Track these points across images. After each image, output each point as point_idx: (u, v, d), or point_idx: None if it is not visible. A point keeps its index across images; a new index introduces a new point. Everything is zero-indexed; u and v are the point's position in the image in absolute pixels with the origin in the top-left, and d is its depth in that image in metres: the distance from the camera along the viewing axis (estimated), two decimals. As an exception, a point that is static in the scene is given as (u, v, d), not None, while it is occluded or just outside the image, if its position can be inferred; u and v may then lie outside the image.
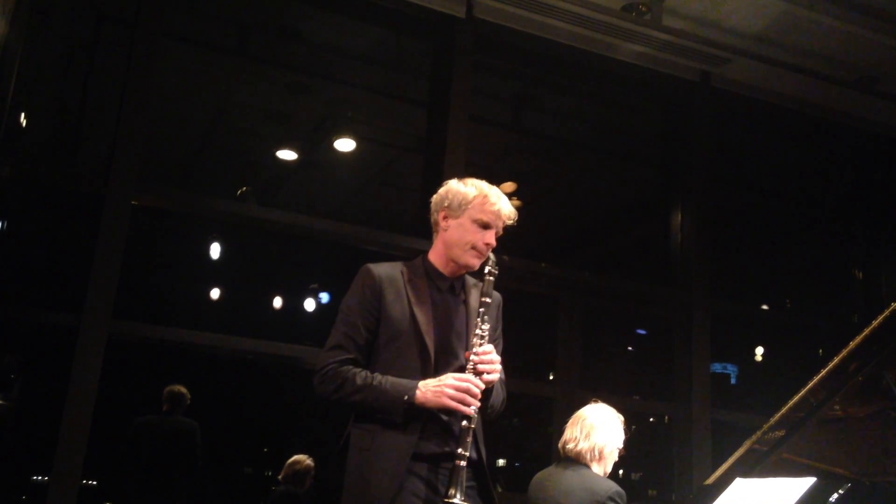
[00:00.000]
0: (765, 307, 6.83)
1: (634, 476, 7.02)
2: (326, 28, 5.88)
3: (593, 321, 5.97)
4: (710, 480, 3.77)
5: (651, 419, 6.86)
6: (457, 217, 2.55)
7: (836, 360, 3.40)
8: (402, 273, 2.54)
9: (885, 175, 6.92)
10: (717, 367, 7.34)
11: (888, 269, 6.76)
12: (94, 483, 7.62)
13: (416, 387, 2.36)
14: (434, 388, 2.36)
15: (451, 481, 2.31)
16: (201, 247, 7.33)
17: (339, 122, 6.39)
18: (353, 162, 6.68)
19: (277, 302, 8.67)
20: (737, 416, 5.94)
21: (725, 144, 6.47)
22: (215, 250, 7.28)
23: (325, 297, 8.74)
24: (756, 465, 3.63)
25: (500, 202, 2.56)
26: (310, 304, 8.72)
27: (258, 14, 5.76)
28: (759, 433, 3.66)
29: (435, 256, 2.61)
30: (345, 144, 6.46)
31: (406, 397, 2.34)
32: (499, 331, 2.66)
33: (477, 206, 2.54)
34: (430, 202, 2.64)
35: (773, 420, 3.60)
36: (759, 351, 7.66)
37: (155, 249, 6.87)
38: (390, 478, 2.32)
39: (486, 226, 2.54)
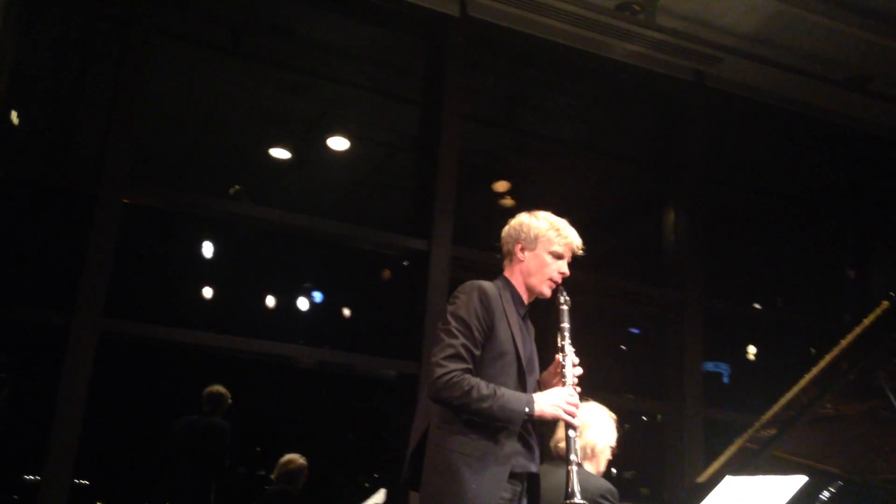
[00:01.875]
0: (757, 306, 6.84)
1: (627, 474, 7.02)
2: (320, 26, 5.87)
3: (586, 320, 5.95)
4: (702, 478, 3.78)
5: (644, 418, 6.86)
6: (532, 249, 2.84)
7: (827, 358, 3.40)
8: (500, 294, 2.78)
9: (877, 174, 6.94)
10: (709, 366, 7.34)
11: (880, 269, 6.78)
12: (87, 483, 7.59)
13: (532, 400, 2.64)
14: (551, 402, 2.66)
15: (569, 483, 2.59)
16: (194, 246, 7.31)
17: (333, 121, 6.38)
18: (346, 161, 6.67)
19: (270, 301, 8.66)
20: (729, 415, 5.95)
21: (719, 144, 6.48)
22: (208, 249, 7.26)
23: (318, 296, 8.73)
24: (747, 463, 3.63)
25: (571, 234, 2.88)
26: (303, 304, 8.71)
27: (251, 12, 5.75)
28: (750, 431, 3.66)
29: (515, 283, 2.87)
30: (338, 143, 6.45)
31: (527, 409, 2.61)
32: None
33: (552, 238, 2.84)
34: (503, 234, 2.92)
35: (764, 418, 3.60)
36: (752, 350, 7.67)
37: (148, 248, 6.85)
38: (495, 485, 2.57)
39: (559, 257, 2.85)
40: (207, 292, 8.35)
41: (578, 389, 2.76)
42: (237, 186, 6.28)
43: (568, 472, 2.59)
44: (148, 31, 4.86)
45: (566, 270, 2.86)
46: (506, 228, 2.93)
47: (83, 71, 5.36)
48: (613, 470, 6.71)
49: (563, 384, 2.74)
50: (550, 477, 3.29)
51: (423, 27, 5.72)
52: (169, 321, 4.95)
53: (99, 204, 4.53)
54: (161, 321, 4.87)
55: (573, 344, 2.86)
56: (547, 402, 2.66)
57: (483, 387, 2.59)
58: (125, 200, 4.64)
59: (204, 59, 5.93)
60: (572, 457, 2.61)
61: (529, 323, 2.92)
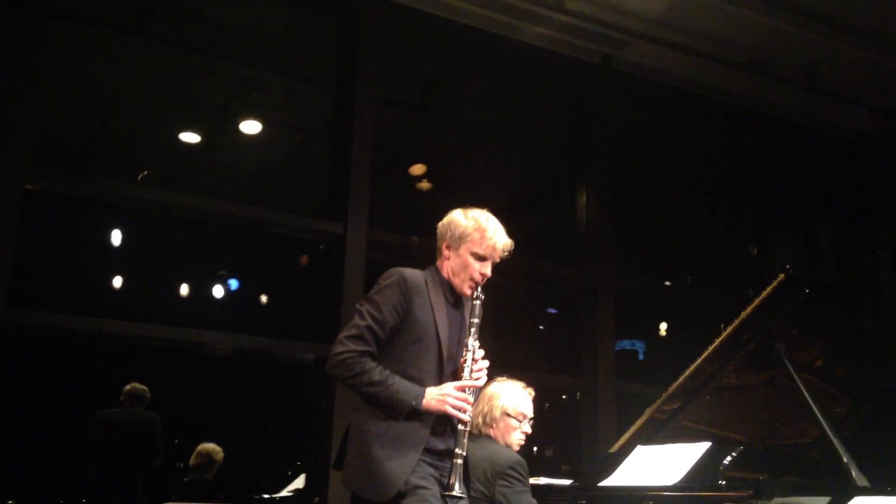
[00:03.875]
0: (667, 283, 7.04)
1: (548, 452, 7.16)
2: (227, 8, 5.74)
3: (505, 301, 6.02)
4: (614, 449, 3.90)
5: (563, 396, 7.00)
6: (456, 248, 2.83)
7: (728, 329, 3.54)
8: (425, 282, 2.80)
9: (776, 154, 7.22)
10: (625, 344, 7.54)
11: (780, 245, 7.07)
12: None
13: (423, 394, 2.66)
14: (438, 397, 2.67)
15: (452, 475, 2.65)
16: (103, 234, 7.09)
17: (245, 105, 6.27)
18: (259, 145, 6.57)
19: (185, 289, 8.48)
20: (644, 390, 6.11)
21: (628, 126, 6.63)
22: (117, 237, 7.06)
23: (234, 283, 8.59)
24: (656, 433, 3.76)
25: (496, 237, 2.83)
26: (218, 291, 8.56)
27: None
28: (658, 402, 3.79)
29: (444, 275, 2.87)
30: (250, 127, 6.35)
31: (414, 402, 2.64)
32: None
33: (475, 240, 2.82)
34: (437, 228, 2.92)
35: (671, 389, 3.73)
36: (664, 326, 7.91)
37: (54, 237, 6.63)
38: (406, 462, 2.61)
39: (481, 258, 2.82)
40: (118, 282, 8.13)
41: (478, 384, 2.78)
42: (146, 171, 6.11)
43: (453, 465, 2.66)
44: (46, 12, 4.69)
45: (488, 272, 2.84)
46: (440, 222, 2.94)
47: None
48: (535, 448, 6.85)
49: (461, 378, 2.75)
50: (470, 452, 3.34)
51: (335, 9, 5.67)
52: (79, 312, 4.81)
53: (-2, 191, 4.37)
54: (70, 312, 4.72)
55: (492, 333, 2.90)
56: (435, 398, 2.67)
57: (376, 372, 2.65)
58: (27, 187, 4.48)
59: (107, 40, 5.74)
60: (458, 450, 2.66)
61: (464, 307, 2.90)
